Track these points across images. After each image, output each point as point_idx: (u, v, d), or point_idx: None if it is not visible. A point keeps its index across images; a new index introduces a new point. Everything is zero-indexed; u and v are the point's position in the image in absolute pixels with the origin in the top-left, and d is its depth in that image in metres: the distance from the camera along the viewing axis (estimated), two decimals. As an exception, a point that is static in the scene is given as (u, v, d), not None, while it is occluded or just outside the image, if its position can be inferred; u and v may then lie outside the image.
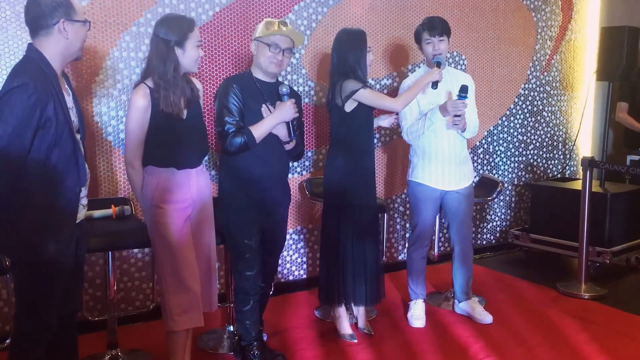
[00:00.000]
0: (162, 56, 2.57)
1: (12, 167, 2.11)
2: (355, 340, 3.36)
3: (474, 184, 3.83)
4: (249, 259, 2.98)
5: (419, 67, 4.57)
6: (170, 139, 2.63)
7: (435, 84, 3.30)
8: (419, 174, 3.57)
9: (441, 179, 3.53)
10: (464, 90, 3.32)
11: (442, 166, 3.52)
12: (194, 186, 2.73)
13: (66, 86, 2.34)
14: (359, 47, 3.20)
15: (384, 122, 3.52)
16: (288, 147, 3.03)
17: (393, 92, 4.31)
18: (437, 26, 3.42)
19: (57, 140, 2.17)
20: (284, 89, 2.91)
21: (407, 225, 4.68)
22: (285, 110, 2.89)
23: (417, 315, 3.62)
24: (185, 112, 2.66)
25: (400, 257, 4.66)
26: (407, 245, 3.97)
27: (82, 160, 2.31)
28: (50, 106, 2.14)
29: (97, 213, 3.15)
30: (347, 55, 3.21)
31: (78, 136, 2.33)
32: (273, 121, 2.89)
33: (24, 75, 2.13)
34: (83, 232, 2.45)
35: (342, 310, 3.45)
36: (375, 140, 4.20)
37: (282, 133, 2.95)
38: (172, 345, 2.76)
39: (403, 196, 4.62)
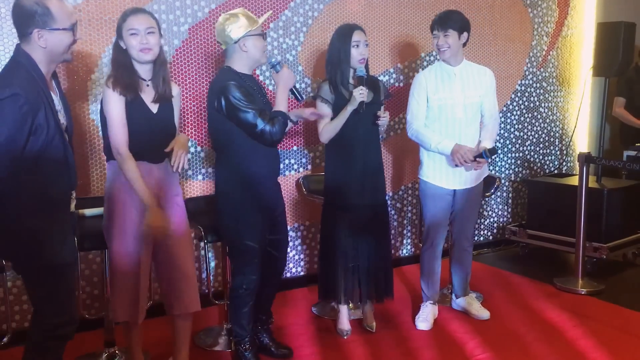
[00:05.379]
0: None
1: (5, 177, 2.10)
2: (345, 337, 3.38)
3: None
4: (256, 262, 2.97)
5: (420, 62, 4.57)
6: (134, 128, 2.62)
7: (361, 106, 3.14)
8: (426, 173, 3.52)
9: (452, 179, 3.47)
10: (492, 152, 3.31)
11: (452, 166, 3.44)
12: (154, 182, 2.69)
13: (54, 86, 2.32)
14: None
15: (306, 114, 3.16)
16: (308, 113, 3.02)
17: (390, 88, 4.31)
18: (443, 19, 3.36)
19: (47, 146, 2.16)
20: (274, 59, 2.91)
21: (405, 221, 4.69)
22: (287, 77, 2.89)
23: (422, 317, 3.55)
24: (156, 106, 2.67)
25: (395, 254, 4.66)
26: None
27: (72, 162, 2.30)
28: (42, 114, 2.13)
29: (93, 211, 3.16)
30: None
31: (66, 136, 2.31)
32: (284, 92, 2.88)
33: (15, 84, 2.10)
34: (74, 223, 2.43)
35: (343, 306, 3.46)
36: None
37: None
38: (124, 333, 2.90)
39: (400, 192, 4.62)
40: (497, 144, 5.07)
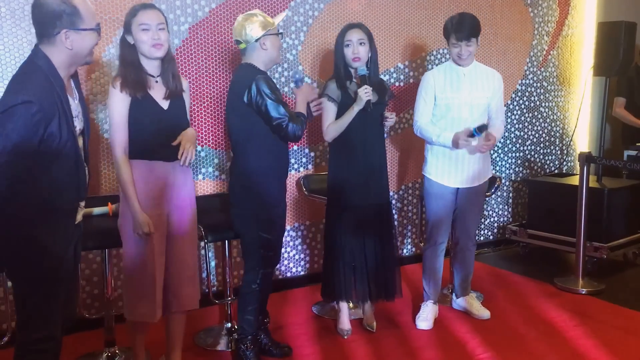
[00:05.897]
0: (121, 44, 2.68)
1: (10, 184, 2.04)
2: (345, 337, 3.37)
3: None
4: (271, 255, 3.03)
5: (426, 60, 4.56)
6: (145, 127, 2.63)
7: (368, 105, 3.15)
8: (429, 170, 3.52)
9: (453, 177, 3.46)
10: (481, 129, 3.29)
11: (456, 164, 3.44)
12: (167, 181, 2.70)
13: (73, 88, 2.26)
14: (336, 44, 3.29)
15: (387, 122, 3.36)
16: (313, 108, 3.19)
17: (391, 87, 4.30)
18: (465, 29, 3.29)
19: (58, 154, 2.09)
20: (298, 75, 3.06)
21: (405, 221, 4.69)
22: (307, 91, 3.06)
23: (423, 317, 3.55)
24: (167, 103, 2.67)
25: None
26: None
27: (83, 170, 2.24)
28: (55, 122, 2.05)
29: (94, 210, 3.16)
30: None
31: (81, 140, 2.25)
32: (303, 104, 3.04)
33: (29, 90, 2.00)
34: (80, 236, 2.38)
35: (343, 305, 3.46)
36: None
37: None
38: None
39: (401, 192, 4.62)
40: (498, 143, 5.06)
